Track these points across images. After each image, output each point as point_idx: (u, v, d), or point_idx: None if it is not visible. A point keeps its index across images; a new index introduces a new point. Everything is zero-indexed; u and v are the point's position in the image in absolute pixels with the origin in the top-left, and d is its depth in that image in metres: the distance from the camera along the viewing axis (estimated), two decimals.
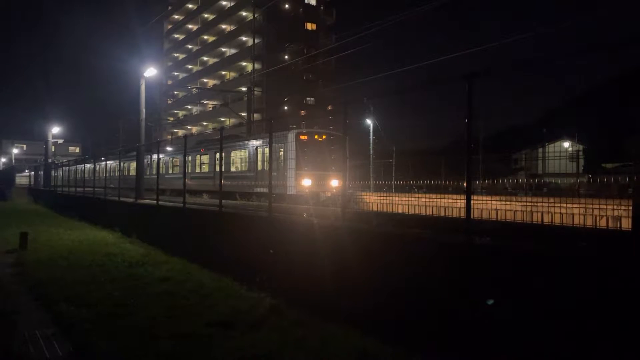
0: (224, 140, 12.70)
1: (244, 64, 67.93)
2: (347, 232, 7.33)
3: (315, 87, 63.28)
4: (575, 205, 16.40)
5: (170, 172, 29.06)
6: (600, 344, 4.37)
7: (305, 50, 60.77)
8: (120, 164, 27.36)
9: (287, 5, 63.99)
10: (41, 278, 9.15)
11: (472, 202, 5.72)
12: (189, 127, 77.82)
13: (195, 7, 79.32)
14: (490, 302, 5.11)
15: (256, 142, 21.83)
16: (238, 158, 23.39)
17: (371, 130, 36.79)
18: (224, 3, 71.83)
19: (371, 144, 36.07)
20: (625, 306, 4.28)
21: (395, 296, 6.29)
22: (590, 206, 16.04)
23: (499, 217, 16.59)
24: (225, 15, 71.39)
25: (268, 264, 8.75)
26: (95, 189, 23.38)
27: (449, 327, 5.59)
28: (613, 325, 4.33)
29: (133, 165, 27.07)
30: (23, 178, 59.95)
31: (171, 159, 29.43)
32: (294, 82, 59.84)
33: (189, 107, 79.15)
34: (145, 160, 24.78)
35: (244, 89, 50.93)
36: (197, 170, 26.31)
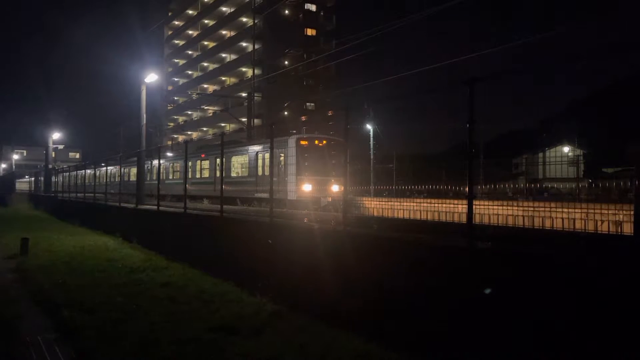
0: (224, 146, 12.73)
1: (244, 69, 68.08)
2: (348, 237, 7.32)
3: (316, 93, 63.39)
4: (576, 210, 16.38)
5: (170, 177, 29.05)
6: (599, 346, 4.37)
7: (305, 56, 60.88)
8: (120, 169, 27.33)
9: (287, 11, 64.21)
10: (43, 284, 9.15)
11: (473, 206, 5.73)
12: (189, 132, 77.93)
13: (195, 13, 79.59)
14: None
15: (257, 148, 21.83)
16: (238, 163, 23.38)
17: (372, 135, 36.84)
18: (224, 9, 72.08)
19: (372, 149, 36.10)
20: (628, 308, 4.28)
21: (398, 300, 6.29)
22: (592, 211, 16.02)
23: (500, 222, 16.56)
24: (225, 21, 71.64)
25: (270, 269, 8.75)
26: (96, 195, 23.39)
27: (453, 330, 5.58)
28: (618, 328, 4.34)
29: (133, 170, 27.07)
30: (23, 184, 59.82)
31: (172, 164, 29.43)
32: (294, 88, 59.93)
33: (189, 112, 79.36)
34: (146, 166, 24.80)
35: (244, 94, 51.04)
36: (198, 175, 26.31)
